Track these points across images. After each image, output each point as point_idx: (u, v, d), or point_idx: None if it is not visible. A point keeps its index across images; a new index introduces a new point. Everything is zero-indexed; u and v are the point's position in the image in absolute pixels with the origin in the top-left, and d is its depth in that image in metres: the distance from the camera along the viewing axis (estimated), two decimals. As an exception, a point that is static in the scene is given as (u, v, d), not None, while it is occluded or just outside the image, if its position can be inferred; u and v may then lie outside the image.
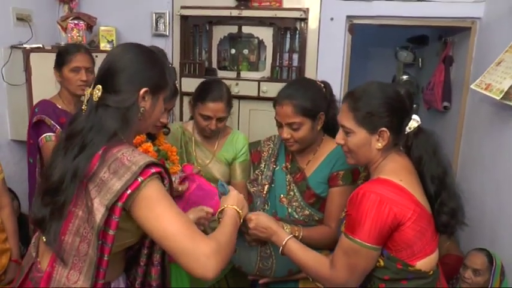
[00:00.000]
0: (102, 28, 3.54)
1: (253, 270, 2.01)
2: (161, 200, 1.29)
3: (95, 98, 1.36)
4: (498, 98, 2.41)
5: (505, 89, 2.37)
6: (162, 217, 1.27)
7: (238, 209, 1.60)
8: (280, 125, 1.98)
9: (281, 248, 1.72)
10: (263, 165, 2.14)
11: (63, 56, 2.55)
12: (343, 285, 1.58)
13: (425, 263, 1.54)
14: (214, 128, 2.33)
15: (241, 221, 1.64)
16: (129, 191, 1.25)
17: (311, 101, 1.91)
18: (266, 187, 2.07)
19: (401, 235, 1.49)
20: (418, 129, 1.64)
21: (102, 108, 1.35)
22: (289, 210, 2.02)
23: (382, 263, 1.54)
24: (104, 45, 3.52)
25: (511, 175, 2.55)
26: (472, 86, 2.69)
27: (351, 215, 1.51)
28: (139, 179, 1.26)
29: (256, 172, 2.17)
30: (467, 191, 3.25)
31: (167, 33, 3.66)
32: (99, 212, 1.25)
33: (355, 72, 4.75)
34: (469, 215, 3.11)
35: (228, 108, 2.35)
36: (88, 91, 1.41)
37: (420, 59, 4.88)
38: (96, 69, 2.44)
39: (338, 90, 3.49)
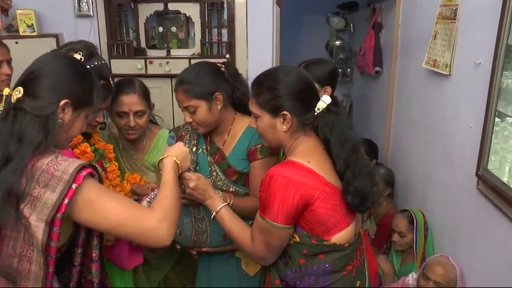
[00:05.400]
0: (19, 11, 3.32)
1: (191, 235, 2.04)
2: (98, 195, 1.31)
3: (13, 100, 1.31)
4: (447, 73, 2.45)
5: (448, 63, 2.43)
6: (103, 210, 1.30)
7: (177, 161, 1.62)
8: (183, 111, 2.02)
9: (213, 213, 1.78)
10: None
11: None
12: (261, 259, 1.70)
13: (341, 236, 1.61)
14: (134, 125, 2.19)
15: (180, 172, 1.66)
16: (66, 201, 1.25)
17: (201, 83, 1.94)
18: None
19: (312, 214, 1.55)
20: (327, 110, 1.64)
21: (21, 113, 1.30)
22: None
23: (298, 239, 1.61)
24: (24, 30, 3.32)
25: (437, 136, 2.66)
26: (423, 65, 2.75)
27: (262, 196, 1.58)
28: (74, 186, 1.25)
29: None
30: (400, 152, 3.40)
31: (91, 14, 3.49)
32: (39, 228, 1.23)
33: (289, 40, 4.77)
34: (402, 174, 3.28)
35: (144, 101, 2.22)
36: (6, 91, 1.34)
37: (352, 25, 4.94)
38: (15, 59, 2.35)
39: (270, 63, 3.50)
